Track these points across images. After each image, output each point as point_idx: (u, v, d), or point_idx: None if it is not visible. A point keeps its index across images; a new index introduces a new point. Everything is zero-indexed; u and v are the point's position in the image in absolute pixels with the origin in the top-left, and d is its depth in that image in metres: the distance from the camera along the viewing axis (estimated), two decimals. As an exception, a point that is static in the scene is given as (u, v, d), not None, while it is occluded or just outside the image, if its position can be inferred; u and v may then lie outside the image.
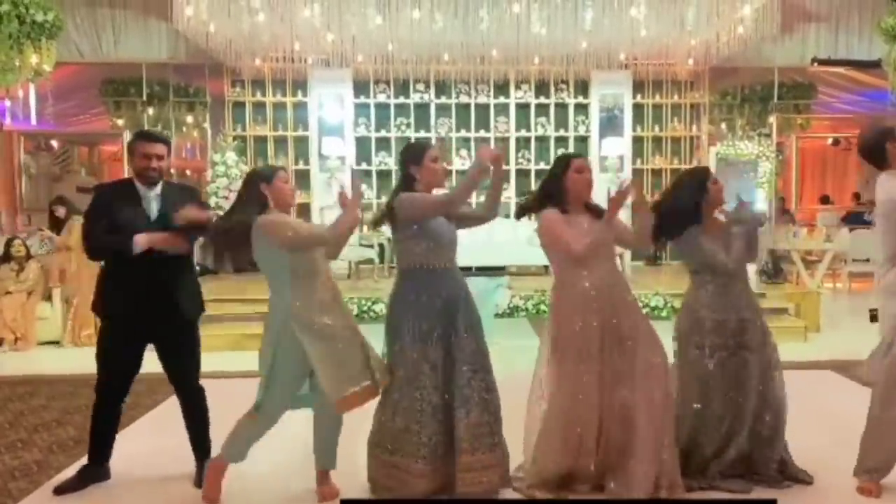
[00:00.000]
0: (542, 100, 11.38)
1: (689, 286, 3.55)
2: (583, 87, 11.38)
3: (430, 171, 3.29)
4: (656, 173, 11.52)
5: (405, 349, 3.20)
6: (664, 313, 7.15)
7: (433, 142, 10.48)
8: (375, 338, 3.38)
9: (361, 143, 11.17)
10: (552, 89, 11.35)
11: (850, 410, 4.60)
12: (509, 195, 11.02)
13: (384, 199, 3.46)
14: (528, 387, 3.45)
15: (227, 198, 9.33)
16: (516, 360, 4.88)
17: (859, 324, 7.50)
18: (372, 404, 3.29)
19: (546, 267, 9.11)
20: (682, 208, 3.43)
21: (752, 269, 8.61)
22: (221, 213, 3.69)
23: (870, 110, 11.59)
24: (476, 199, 9.39)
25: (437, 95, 11.24)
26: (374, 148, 11.20)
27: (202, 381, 3.67)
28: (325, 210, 10.11)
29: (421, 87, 11.22)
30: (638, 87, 11.39)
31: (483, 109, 11.34)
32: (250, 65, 10.61)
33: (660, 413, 3.16)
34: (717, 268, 3.42)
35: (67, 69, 9.62)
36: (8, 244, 7.44)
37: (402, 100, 11.22)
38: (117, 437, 3.67)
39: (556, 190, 3.36)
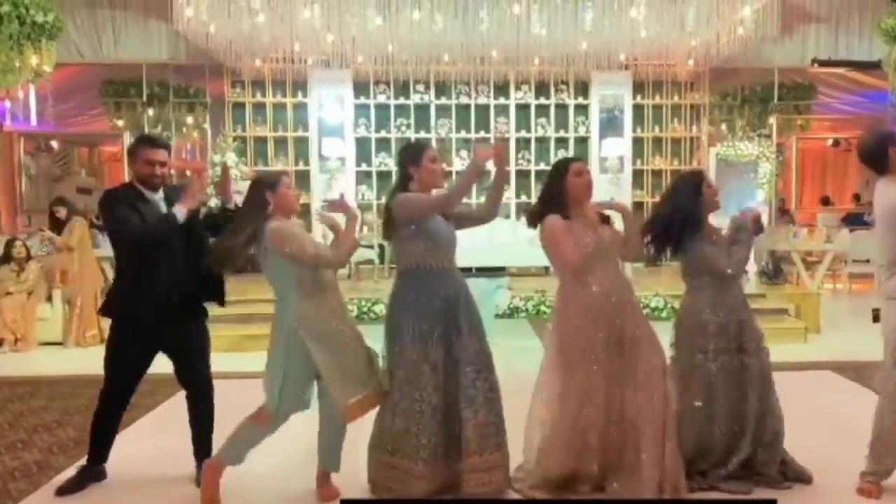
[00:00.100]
0: (543, 101, 11.38)
1: (686, 290, 3.56)
2: (583, 88, 11.38)
3: (428, 171, 3.29)
4: (656, 174, 11.52)
5: (405, 350, 3.20)
6: (664, 314, 7.15)
7: (433, 143, 10.48)
8: (375, 338, 3.38)
9: (361, 143, 11.17)
10: (552, 90, 11.35)
11: (850, 411, 4.62)
12: (509, 196, 11.03)
13: (384, 200, 3.47)
14: (528, 387, 3.45)
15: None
16: (516, 360, 4.88)
17: (859, 324, 7.53)
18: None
19: (546, 268, 9.12)
20: (679, 215, 3.43)
21: (752, 269, 8.66)
22: (217, 210, 3.70)
23: (870, 111, 11.59)
24: (476, 198, 9.41)
25: (437, 96, 11.24)
26: (375, 149, 11.20)
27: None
28: (319, 212, 10.09)
29: (421, 87, 11.22)
30: (638, 87, 11.40)
31: (483, 110, 11.34)
32: (250, 65, 10.62)
33: (661, 414, 3.16)
34: (716, 272, 3.43)
35: (67, 70, 9.63)
36: (8, 245, 7.44)
37: (402, 100, 11.22)
38: (118, 437, 3.68)
39: (557, 195, 3.37)
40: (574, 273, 3.27)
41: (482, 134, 11.24)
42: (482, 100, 11.32)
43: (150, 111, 10.81)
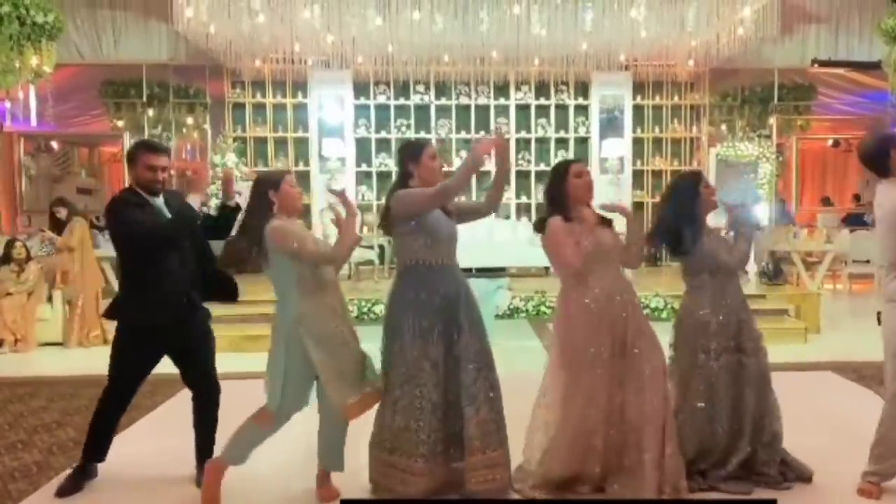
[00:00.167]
0: (543, 101, 11.39)
1: (686, 290, 3.57)
2: (583, 89, 11.38)
3: (427, 168, 3.29)
4: (656, 174, 11.52)
5: (405, 347, 3.20)
6: (664, 314, 7.15)
7: (433, 143, 10.47)
8: (375, 338, 3.38)
9: (361, 144, 11.18)
10: (552, 90, 11.36)
11: (850, 411, 4.62)
12: (509, 196, 11.03)
13: (385, 200, 3.47)
14: (528, 387, 3.46)
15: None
16: (516, 360, 4.90)
17: (860, 325, 7.53)
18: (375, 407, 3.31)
19: (546, 268, 9.13)
20: (678, 216, 3.46)
21: (752, 270, 8.67)
22: (214, 212, 3.70)
23: (870, 112, 11.59)
24: (476, 198, 9.39)
25: (438, 97, 11.25)
26: (375, 149, 11.21)
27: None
28: (325, 212, 10.10)
29: (421, 88, 11.23)
30: (638, 88, 11.40)
31: (483, 111, 11.35)
32: (250, 66, 10.62)
33: (661, 415, 3.17)
34: (719, 268, 3.44)
35: (67, 70, 9.62)
36: (8, 246, 7.44)
37: (402, 101, 11.23)
38: (118, 437, 3.68)
39: (558, 196, 3.38)
40: (574, 275, 3.28)
41: (482, 134, 11.23)
42: (482, 100, 11.33)
43: (150, 112, 10.81)
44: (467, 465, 3.15)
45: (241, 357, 5.70)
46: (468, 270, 3.43)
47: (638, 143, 11.51)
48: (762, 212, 10.13)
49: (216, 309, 3.78)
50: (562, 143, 11.42)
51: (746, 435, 3.39)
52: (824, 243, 9.16)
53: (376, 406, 3.29)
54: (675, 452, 3.20)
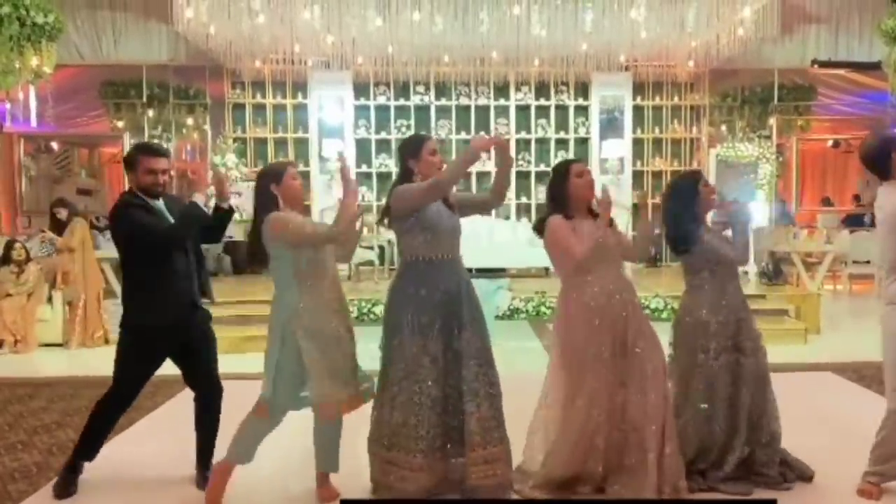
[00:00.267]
0: (543, 101, 11.40)
1: (686, 289, 3.58)
2: (583, 89, 11.39)
3: (428, 163, 3.28)
4: (656, 175, 11.52)
5: (404, 343, 3.20)
6: (664, 315, 7.15)
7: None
8: (375, 339, 3.38)
9: (361, 145, 11.18)
10: (552, 91, 11.37)
11: (850, 412, 4.62)
12: (510, 197, 11.02)
13: (384, 202, 3.47)
14: (528, 387, 3.46)
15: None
16: (516, 361, 4.90)
17: (860, 325, 7.53)
18: (369, 406, 3.32)
19: (546, 269, 9.13)
20: (678, 216, 3.48)
21: (752, 270, 8.67)
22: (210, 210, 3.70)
23: (870, 112, 11.59)
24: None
25: (438, 97, 11.25)
26: (375, 150, 11.22)
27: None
28: (325, 212, 10.11)
29: (421, 88, 11.23)
30: (638, 88, 11.41)
31: (483, 111, 11.35)
32: (250, 66, 10.62)
33: (661, 415, 3.17)
34: (719, 265, 3.45)
35: (68, 71, 9.62)
36: (7, 247, 7.44)
37: (402, 102, 11.23)
38: (119, 438, 3.68)
39: (560, 197, 3.39)
40: (577, 268, 3.27)
41: (482, 135, 11.21)
42: (482, 101, 11.33)
43: (150, 112, 10.82)
44: (468, 460, 3.16)
45: (242, 358, 5.70)
46: (468, 271, 3.43)
47: (638, 143, 11.51)
48: (759, 211, 10.13)
49: (215, 311, 3.79)
50: (562, 143, 11.43)
51: (742, 434, 3.39)
52: (824, 244, 9.16)
53: (366, 407, 3.29)
54: (675, 452, 3.21)
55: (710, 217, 3.67)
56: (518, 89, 11.37)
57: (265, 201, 3.23)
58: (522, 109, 11.42)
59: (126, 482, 3.64)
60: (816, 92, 11.47)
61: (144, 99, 10.72)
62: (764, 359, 3.49)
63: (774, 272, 8.53)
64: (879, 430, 3.33)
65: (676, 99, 11.55)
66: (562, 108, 11.43)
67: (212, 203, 3.55)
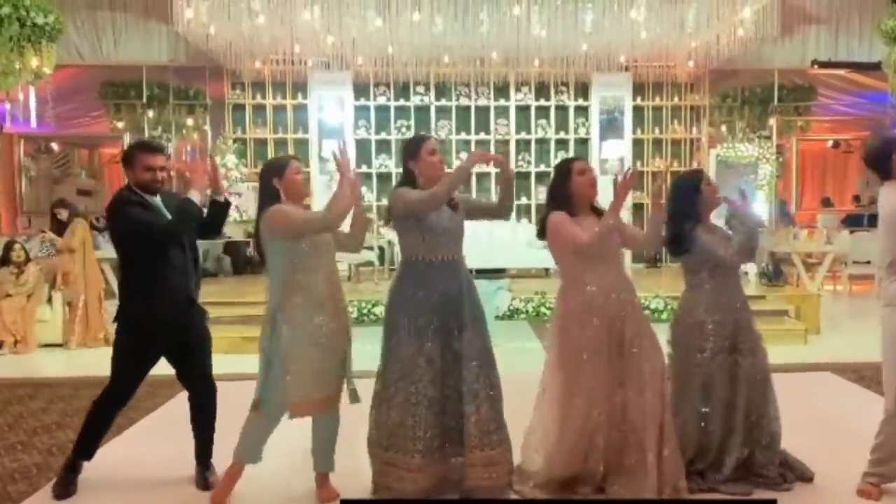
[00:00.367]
0: (543, 102, 11.40)
1: (685, 288, 3.58)
2: (583, 90, 11.39)
3: (427, 164, 3.28)
4: (657, 176, 11.51)
5: (401, 344, 3.20)
6: (664, 315, 7.14)
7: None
8: (375, 340, 3.38)
9: (361, 145, 11.18)
10: (552, 91, 11.37)
11: (850, 412, 4.62)
12: (509, 197, 11.00)
13: (385, 202, 3.46)
14: (528, 388, 3.46)
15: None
16: (516, 361, 4.89)
17: (860, 326, 7.53)
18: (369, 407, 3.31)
19: (547, 269, 9.13)
20: (679, 215, 3.47)
21: (752, 270, 8.66)
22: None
23: (870, 113, 11.59)
24: (477, 197, 9.39)
25: (438, 98, 11.25)
26: (375, 150, 11.22)
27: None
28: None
29: (421, 89, 11.24)
30: (638, 89, 11.41)
31: (483, 112, 11.36)
32: (250, 67, 10.61)
33: (660, 415, 3.17)
34: (718, 264, 3.44)
35: (68, 72, 9.62)
36: (7, 247, 7.44)
37: (402, 102, 11.23)
38: (118, 438, 3.68)
39: (562, 195, 3.38)
40: (581, 257, 3.25)
41: (482, 136, 11.26)
42: (482, 101, 11.33)
43: (150, 113, 10.81)
44: (466, 461, 3.16)
45: (241, 358, 5.70)
46: (468, 272, 3.43)
47: (638, 144, 11.51)
48: (761, 212, 10.12)
49: (215, 311, 3.79)
50: (562, 144, 11.43)
51: (739, 434, 3.38)
52: (824, 244, 9.16)
53: (359, 408, 3.29)
54: (674, 452, 3.21)
55: (715, 215, 3.65)
56: (518, 90, 11.37)
57: (268, 196, 3.23)
58: (522, 110, 11.42)
59: (126, 482, 3.64)
60: (816, 92, 11.47)
61: (144, 99, 10.71)
62: (764, 360, 3.49)
63: (774, 273, 8.53)
64: (878, 433, 3.33)
65: (676, 99, 11.55)
66: (562, 109, 11.44)
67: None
